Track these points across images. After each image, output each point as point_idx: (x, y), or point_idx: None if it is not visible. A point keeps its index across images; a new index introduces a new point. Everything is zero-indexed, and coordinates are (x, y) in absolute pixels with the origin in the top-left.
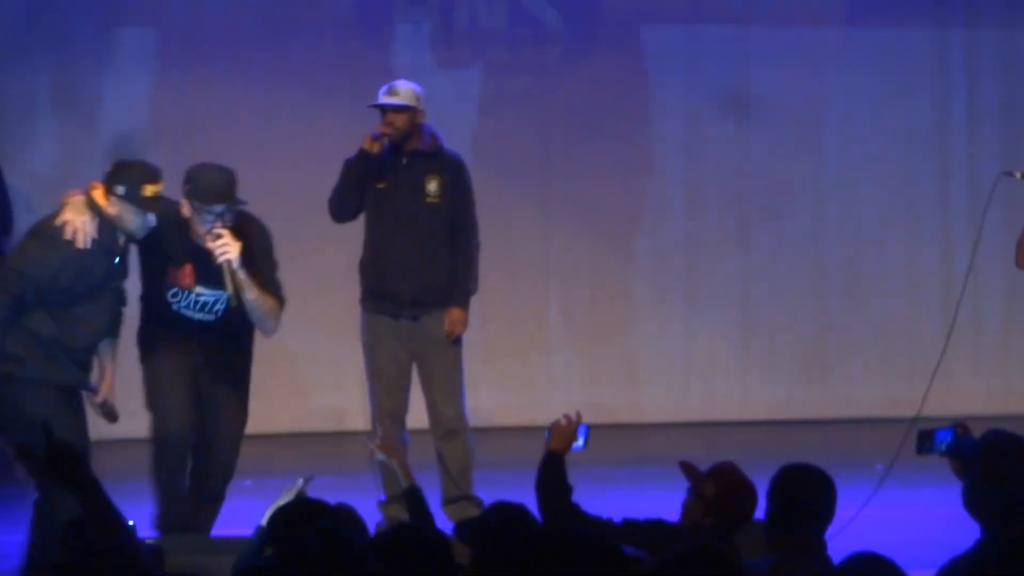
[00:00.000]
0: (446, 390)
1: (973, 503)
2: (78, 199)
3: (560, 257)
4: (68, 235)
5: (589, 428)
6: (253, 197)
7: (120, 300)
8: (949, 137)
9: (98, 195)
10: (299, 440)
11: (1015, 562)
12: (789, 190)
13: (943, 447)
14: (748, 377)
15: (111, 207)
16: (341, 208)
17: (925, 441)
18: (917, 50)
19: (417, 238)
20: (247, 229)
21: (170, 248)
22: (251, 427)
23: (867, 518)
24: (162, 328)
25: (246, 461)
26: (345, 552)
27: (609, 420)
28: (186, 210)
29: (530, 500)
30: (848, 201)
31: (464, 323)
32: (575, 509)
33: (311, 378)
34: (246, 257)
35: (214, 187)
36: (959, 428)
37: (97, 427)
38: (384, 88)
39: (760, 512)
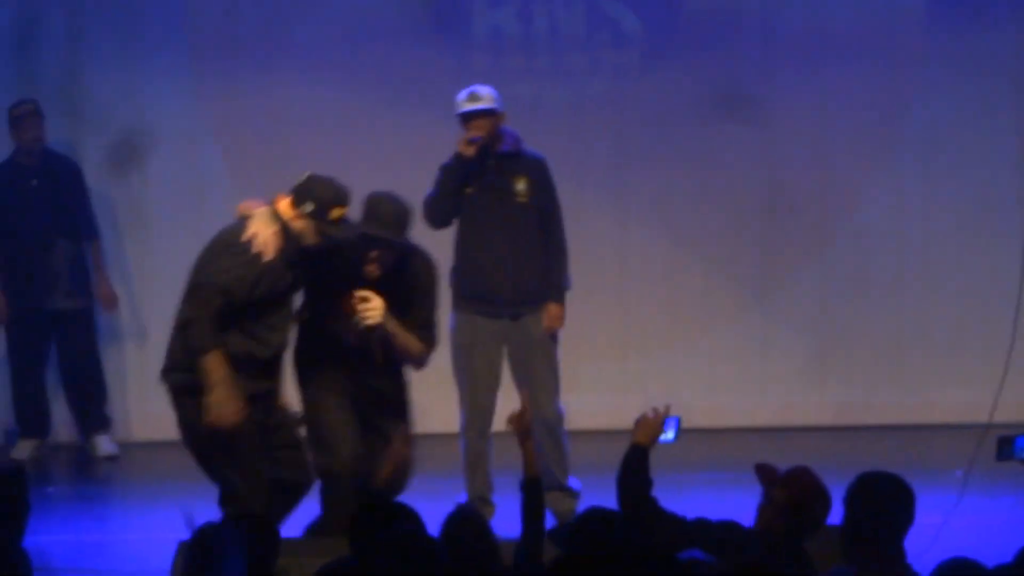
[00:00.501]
0: (548, 387)
1: None
2: (264, 210)
3: (636, 261)
4: (258, 249)
5: (680, 421)
6: None
7: None
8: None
9: (284, 207)
10: None
11: None
12: (868, 195)
13: (1022, 455)
14: (823, 382)
15: (296, 221)
16: (441, 214)
17: (1005, 447)
18: (997, 58)
19: (511, 238)
20: (411, 265)
21: (337, 272)
22: None
23: (949, 526)
24: (321, 351)
25: None
26: (422, 554)
27: (685, 424)
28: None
29: (608, 501)
30: (926, 205)
31: (562, 319)
32: (653, 504)
33: None
34: (406, 295)
35: (382, 218)
36: None
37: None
38: (463, 95)
39: (834, 518)
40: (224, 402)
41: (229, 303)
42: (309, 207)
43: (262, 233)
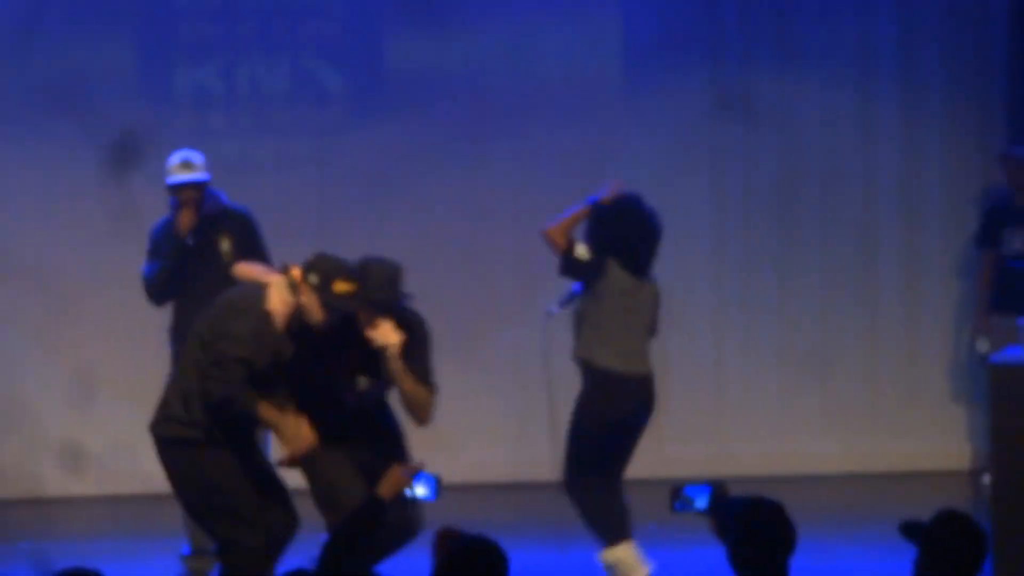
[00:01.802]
0: None
1: (736, 565)
2: (281, 280)
3: None
4: (275, 325)
5: (438, 479)
6: None
7: None
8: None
9: (297, 276)
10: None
11: None
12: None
13: (699, 506)
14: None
15: (303, 295)
16: (169, 293)
17: (678, 498)
18: (692, 115)
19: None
20: (405, 321)
21: (337, 339)
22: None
23: None
24: (316, 419)
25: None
26: None
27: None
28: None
29: None
30: None
31: None
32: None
33: None
34: (405, 348)
35: (390, 283)
36: (717, 487)
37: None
38: (175, 160)
39: None
40: (296, 434)
41: (249, 372)
42: (314, 279)
43: (280, 310)
